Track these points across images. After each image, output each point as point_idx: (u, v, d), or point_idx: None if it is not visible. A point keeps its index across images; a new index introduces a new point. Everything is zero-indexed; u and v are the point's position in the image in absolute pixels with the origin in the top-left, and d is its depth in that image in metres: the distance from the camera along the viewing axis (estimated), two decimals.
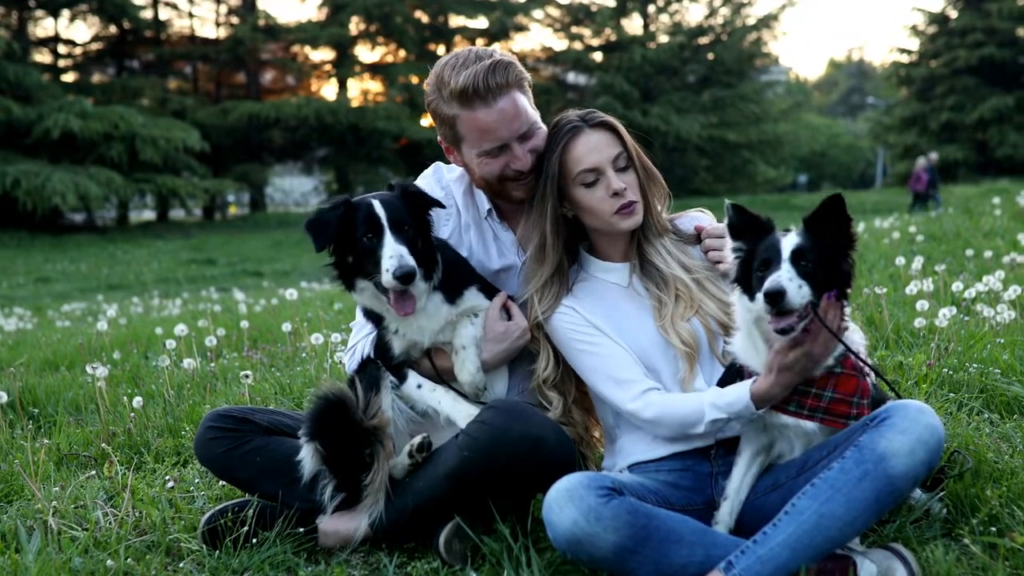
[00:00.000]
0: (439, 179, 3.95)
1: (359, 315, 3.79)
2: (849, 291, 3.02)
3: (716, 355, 3.46)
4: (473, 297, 3.61)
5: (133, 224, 46.85)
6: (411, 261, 3.27)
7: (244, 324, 8.58)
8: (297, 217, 45.96)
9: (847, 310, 3.06)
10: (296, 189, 62.22)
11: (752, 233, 3.08)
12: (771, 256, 2.94)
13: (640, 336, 3.49)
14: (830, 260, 2.96)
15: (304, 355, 7.02)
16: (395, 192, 3.47)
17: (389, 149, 48.96)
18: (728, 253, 3.42)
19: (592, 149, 3.49)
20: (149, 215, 51.23)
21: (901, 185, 46.61)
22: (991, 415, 4.35)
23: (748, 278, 3.05)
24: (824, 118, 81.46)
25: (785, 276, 2.87)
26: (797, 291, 2.86)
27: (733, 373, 3.29)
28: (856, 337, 3.16)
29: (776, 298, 2.83)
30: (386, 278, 3.26)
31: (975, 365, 4.79)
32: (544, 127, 3.67)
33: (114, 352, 8.33)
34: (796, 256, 2.91)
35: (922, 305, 5.60)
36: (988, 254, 8.75)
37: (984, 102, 50.57)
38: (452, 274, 3.54)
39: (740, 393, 3.15)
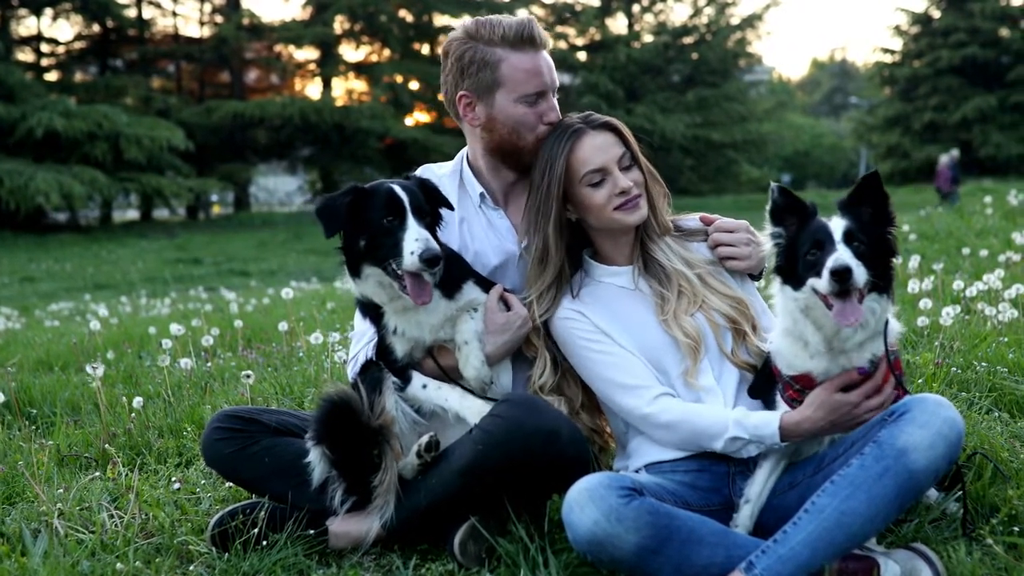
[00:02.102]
0: (429, 177, 3.90)
1: (358, 324, 3.76)
2: (893, 272, 3.02)
3: (724, 352, 3.43)
4: (471, 291, 3.58)
5: (116, 223, 46.54)
6: (436, 245, 3.27)
7: (238, 324, 8.52)
8: (282, 216, 45.81)
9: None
10: (280, 188, 62.04)
11: (795, 217, 3.04)
12: (823, 238, 2.90)
13: (647, 336, 3.46)
14: (878, 240, 2.95)
15: (301, 355, 6.97)
16: (412, 182, 3.47)
17: (374, 148, 48.67)
18: (744, 249, 3.40)
19: (598, 149, 3.47)
20: (132, 214, 50.94)
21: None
22: (1001, 414, 4.35)
23: (792, 266, 3.01)
24: (807, 118, 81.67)
25: (847, 254, 2.83)
26: (859, 269, 2.83)
27: (764, 376, 3.26)
28: (893, 325, 3.12)
29: (844, 275, 2.78)
30: (410, 260, 3.24)
31: (983, 364, 4.78)
32: None
33: (107, 352, 8.26)
34: (848, 237, 2.88)
35: (925, 304, 5.60)
36: (984, 252, 8.77)
37: (967, 102, 50.94)
38: (448, 269, 3.50)
39: (769, 419, 3.13)
